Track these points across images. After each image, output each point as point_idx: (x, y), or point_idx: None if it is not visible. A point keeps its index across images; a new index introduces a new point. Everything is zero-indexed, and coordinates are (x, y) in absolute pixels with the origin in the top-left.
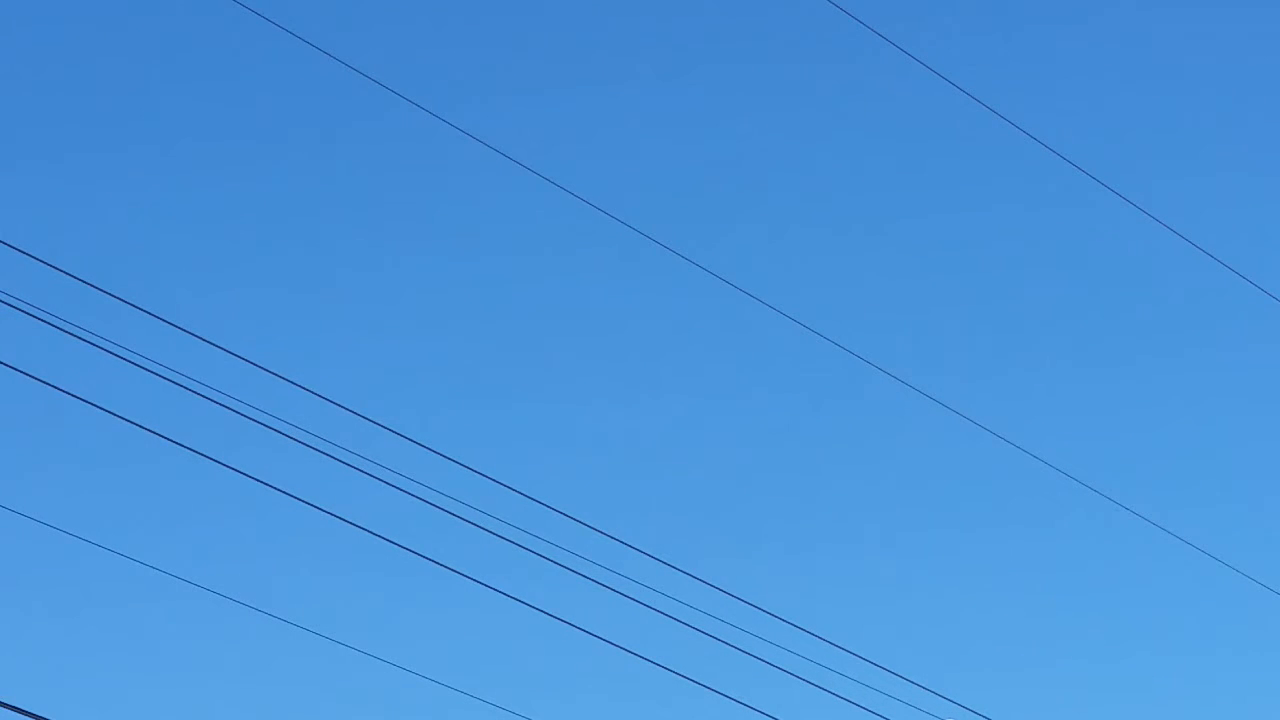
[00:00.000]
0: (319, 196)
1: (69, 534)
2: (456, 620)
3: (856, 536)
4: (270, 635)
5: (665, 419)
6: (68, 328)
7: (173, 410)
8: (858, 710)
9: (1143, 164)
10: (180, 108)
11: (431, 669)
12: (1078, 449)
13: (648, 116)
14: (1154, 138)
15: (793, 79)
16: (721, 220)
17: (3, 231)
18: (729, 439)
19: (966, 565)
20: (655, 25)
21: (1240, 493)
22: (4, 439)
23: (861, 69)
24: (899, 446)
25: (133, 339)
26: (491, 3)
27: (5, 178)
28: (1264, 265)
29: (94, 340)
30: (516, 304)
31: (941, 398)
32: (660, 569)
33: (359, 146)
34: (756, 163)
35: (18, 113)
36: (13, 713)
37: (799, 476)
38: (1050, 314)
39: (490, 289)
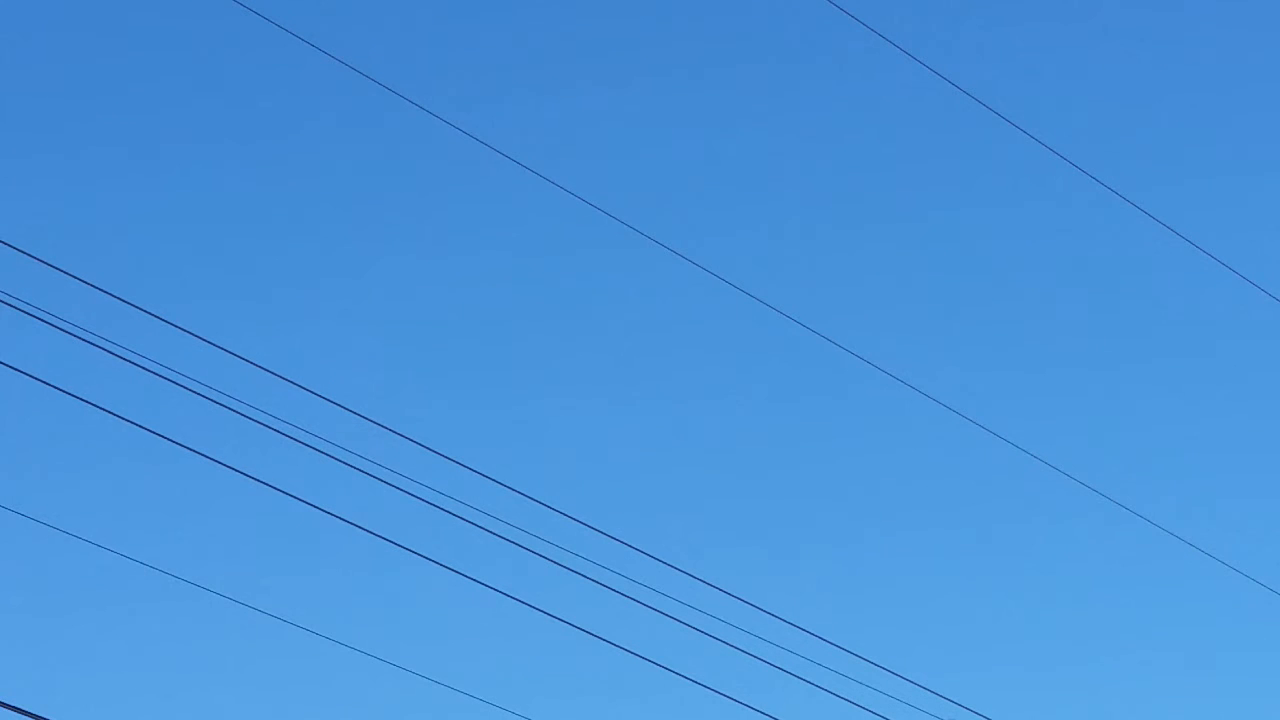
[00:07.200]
0: (319, 196)
1: (69, 534)
2: (456, 620)
3: (856, 536)
4: (270, 635)
5: (665, 419)
6: (68, 328)
7: (173, 410)
8: (858, 710)
9: (1143, 164)
10: (181, 108)
11: (431, 669)
12: (1078, 449)
13: (648, 116)
14: (1154, 138)
15: (792, 79)
16: (721, 220)
17: (3, 231)
18: (729, 439)
19: (966, 565)
20: (656, 25)
21: (1240, 493)
22: (4, 439)
23: (861, 69)
24: (898, 446)
25: (133, 339)
26: (492, 3)
27: (5, 178)
28: (1264, 265)
29: (94, 340)
30: (517, 304)
31: (941, 398)
32: (660, 569)
33: (359, 146)
34: (757, 163)
35: (17, 112)
36: (13, 713)
37: (798, 476)
38: (1050, 313)
39: (491, 289)
